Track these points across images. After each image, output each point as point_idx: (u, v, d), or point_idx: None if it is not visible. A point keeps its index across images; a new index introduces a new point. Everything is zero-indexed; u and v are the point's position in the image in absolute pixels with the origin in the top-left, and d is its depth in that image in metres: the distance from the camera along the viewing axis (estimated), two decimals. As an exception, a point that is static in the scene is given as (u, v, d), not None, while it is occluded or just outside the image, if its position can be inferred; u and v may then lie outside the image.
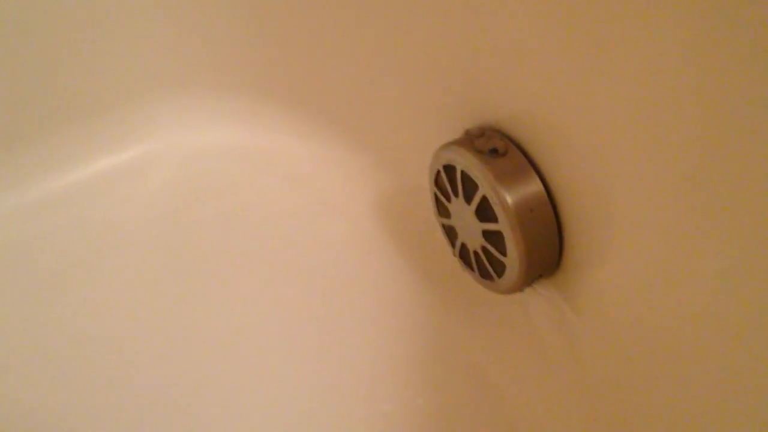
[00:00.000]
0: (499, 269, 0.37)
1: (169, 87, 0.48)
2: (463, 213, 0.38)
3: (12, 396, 0.41)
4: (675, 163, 0.28)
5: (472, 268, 0.40)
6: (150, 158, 0.48)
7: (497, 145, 0.35)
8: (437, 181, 0.39)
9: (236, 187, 0.49)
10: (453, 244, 0.41)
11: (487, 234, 0.36)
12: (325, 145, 0.49)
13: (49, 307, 0.44)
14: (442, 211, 0.41)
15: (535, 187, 0.35)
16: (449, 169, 0.37)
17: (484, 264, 0.38)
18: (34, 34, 0.43)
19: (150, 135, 0.48)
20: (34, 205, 0.46)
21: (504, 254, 0.36)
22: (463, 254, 0.40)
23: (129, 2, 0.45)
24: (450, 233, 0.41)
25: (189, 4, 0.46)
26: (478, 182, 0.35)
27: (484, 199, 0.35)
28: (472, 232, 0.38)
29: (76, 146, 0.47)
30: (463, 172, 0.36)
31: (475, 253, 0.38)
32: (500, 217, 0.35)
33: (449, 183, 0.38)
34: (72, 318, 0.43)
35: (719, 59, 0.24)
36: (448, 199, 0.39)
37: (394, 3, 0.40)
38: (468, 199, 0.37)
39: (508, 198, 0.34)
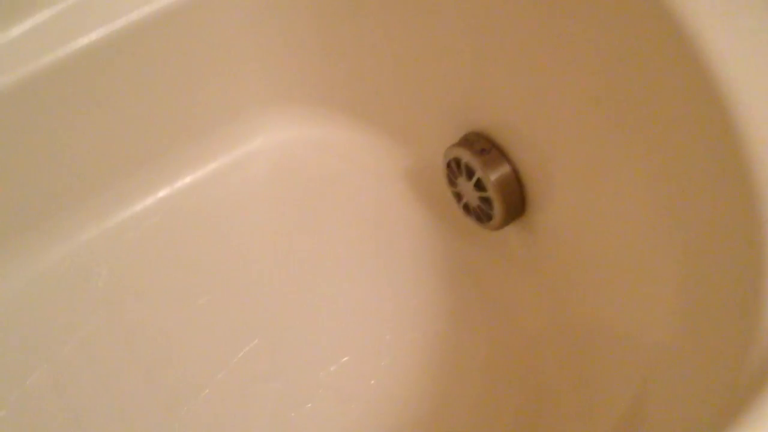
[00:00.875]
0: (488, 218, 0.62)
1: (261, 103, 0.71)
2: (465, 185, 0.63)
3: (165, 314, 0.66)
4: (591, 160, 0.53)
5: (471, 216, 0.65)
6: (253, 153, 0.71)
7: (484, 147, 0.60)
8: (449, 166, 0.64)
9: (308, 165, 0.73)
10: (459, 201, 0.66)
11: (481, 198, 0.61)
12: (367, 137, 0.72)
13: (200, 254, 0.69)
14: (452, 182, 0.65)
15: (508, 171, 0.59)
16: (457, 160, 0.62)
17: (479, 214, 0.63)
18: (164, 69, 0.65)
19: (250, 138, 0.71)
20: (181, 190, 0.70)
21: (491, 209, 0.61)
22: (466, 208, 0.65)
23: (230, 48, 0.67)
24: (457, 195, 0.66)
25: (271, 48, 0.68)
26: (475, 169, 0.60)
27: (479, 179, 0.60)
28: (471, 197, 0.63)
29: (199, 152, 0.70)
30: (466, 163, 0.61)
31: (474, 208, 0.64)
32: (489, 189, 0.60)
33: (456, 168, 0.62)
34: (218, 259, 0.68)
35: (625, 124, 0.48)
36: (456, 177, 0.64)
37: (424, 55, 0.63)
38: (469, 178, 0.61)
39: (492, 179, 0.59)
